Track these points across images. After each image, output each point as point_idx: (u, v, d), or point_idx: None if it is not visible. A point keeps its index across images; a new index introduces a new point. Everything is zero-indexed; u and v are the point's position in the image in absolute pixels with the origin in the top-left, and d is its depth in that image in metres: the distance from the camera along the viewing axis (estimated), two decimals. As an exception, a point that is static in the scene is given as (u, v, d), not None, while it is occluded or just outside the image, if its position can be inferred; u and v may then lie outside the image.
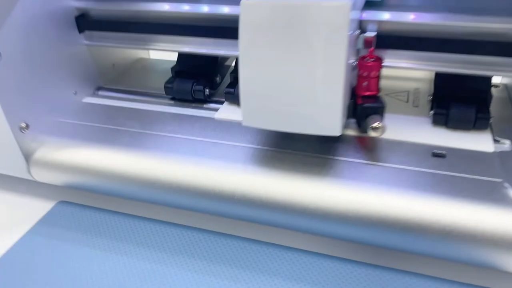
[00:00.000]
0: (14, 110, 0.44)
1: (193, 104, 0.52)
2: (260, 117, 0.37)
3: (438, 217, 0.34)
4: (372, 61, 0.39)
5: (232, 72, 0.50)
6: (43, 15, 0.47)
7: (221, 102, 0.51)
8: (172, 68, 0.53)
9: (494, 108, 0.43)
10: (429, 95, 0.46)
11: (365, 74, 0.39)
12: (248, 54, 0.35)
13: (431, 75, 0.47)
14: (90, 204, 0.47)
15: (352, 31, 0.35)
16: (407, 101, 0.47)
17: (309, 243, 0.40)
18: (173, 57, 0.54)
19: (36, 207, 0.47)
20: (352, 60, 0.38)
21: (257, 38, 0.34)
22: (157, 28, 0.49)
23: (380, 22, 0.41)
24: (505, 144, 0.41)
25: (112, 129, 0.48)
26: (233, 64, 0.54)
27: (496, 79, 0.45)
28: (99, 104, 0.54)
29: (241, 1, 0.33)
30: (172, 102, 0.53)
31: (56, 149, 0.46)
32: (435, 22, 0.39)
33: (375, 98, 0.40)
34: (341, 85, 0.34)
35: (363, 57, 0.39)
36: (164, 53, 0.54)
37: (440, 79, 0.44)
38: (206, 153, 0.42)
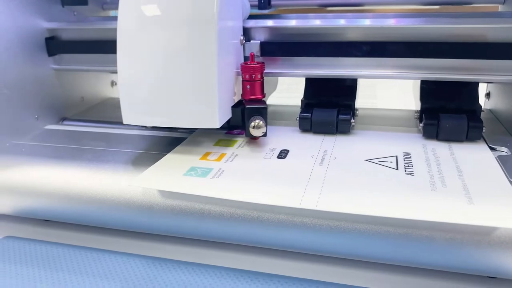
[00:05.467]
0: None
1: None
2: (140, 114, 0.37)
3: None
4: (255, 64, 0.39)
5: None
6: (11, 34, 0.45)
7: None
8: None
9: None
10: (415, 112, 0.44)
11: (247, 76, 0.39)
12: (126, 48, 0.36)
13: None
14: (39, 238, 0.40)
15: (227, 29, 0.37)
16: (397, 168, 0.36)
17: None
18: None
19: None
20: (235, 64, 0.40)
21: (135, 30, 0.35)
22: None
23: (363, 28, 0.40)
24: (503, 152, 0.38)
25: (74, 148, 0.43)
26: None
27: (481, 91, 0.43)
28: (63, 130, 0.49)
29: None
30: (147, 127, 0.48)
31: (4, 170, 0.40)
32: (414, 25, 0.39)
33: (259, 101, 0.40)
34: (215, 73, 0.34)
35: (245, 62, 0.40)
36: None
37: (426, 92, 0.43)
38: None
